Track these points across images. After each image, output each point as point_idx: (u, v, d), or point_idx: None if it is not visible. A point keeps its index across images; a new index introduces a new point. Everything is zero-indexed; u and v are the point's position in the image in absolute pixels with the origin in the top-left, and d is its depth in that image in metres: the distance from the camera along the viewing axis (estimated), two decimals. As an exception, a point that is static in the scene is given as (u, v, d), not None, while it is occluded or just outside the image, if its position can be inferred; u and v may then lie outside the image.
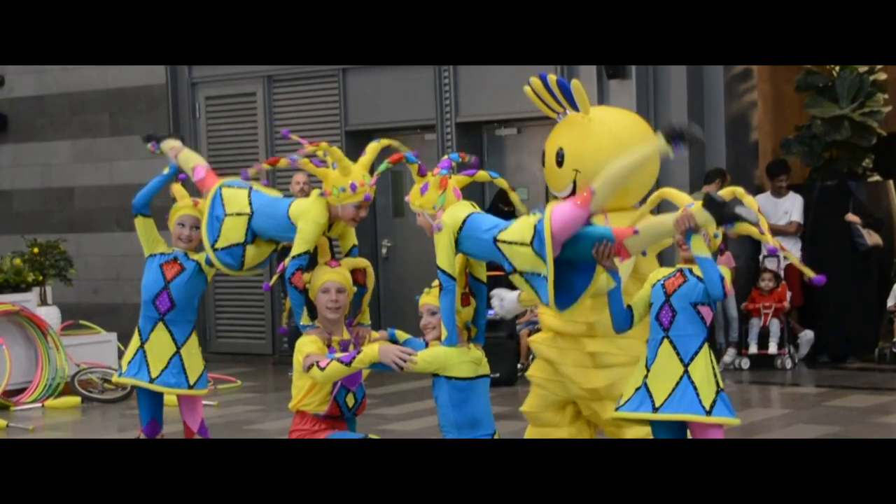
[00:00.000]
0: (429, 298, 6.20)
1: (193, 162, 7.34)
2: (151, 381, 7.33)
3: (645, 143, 6.06)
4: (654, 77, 12.89)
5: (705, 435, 5.89)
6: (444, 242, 6.04)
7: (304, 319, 6.40)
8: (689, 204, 5.89)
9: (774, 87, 13.97)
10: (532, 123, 13.39)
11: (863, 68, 13.10)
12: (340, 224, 6.63)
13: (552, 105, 6.78)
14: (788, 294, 12.74)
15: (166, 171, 7.44)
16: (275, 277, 6.84)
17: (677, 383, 5.87)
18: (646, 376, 5.97)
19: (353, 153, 6.96)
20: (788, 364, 12.65)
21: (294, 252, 6.44)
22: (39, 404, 11.83)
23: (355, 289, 6.59)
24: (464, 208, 6.13)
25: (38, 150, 16.80)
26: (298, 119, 14.60)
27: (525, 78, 6.89)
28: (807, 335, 12.99)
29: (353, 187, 6.40)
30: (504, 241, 5.99)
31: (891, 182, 13.59)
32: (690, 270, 5.96)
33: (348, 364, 6.01)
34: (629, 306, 6.02)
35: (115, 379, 7.80)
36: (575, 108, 6.73)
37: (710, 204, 5.77)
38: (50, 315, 12.41)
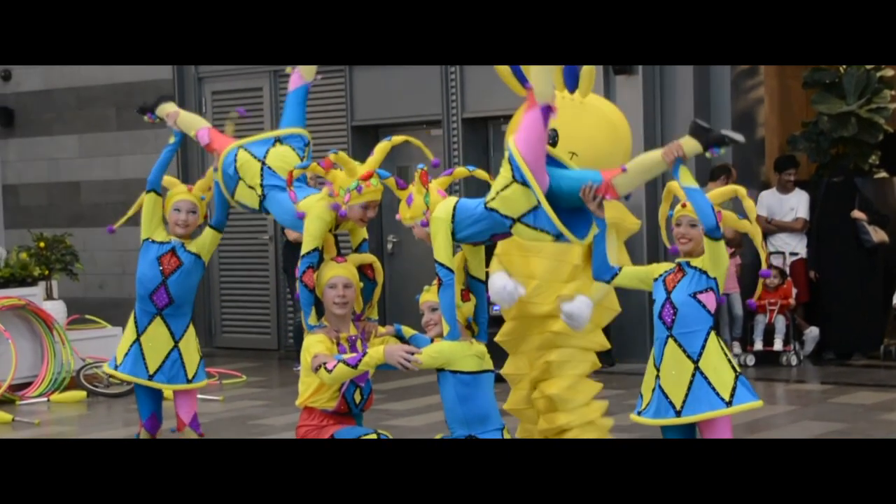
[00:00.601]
0: (428, 296, 6.22)
1: (195, 127, 7.32)
2: (150, 377, 7.33)
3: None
4: (661, 72, 12.87)
5: (713, 427, 5.91)
6: (440, 235, 6.04)
7: (312, 319, 6.40)
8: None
9: (781, 83, 13.94)
10: (538, 119, 13.35)
11: (870, 65, 13.09)
12: (350, 221, 6.63)
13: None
14: (794, 291, 12.73)
15: (172, 140, 7.46)
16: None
17: (691, 382, 5.89)
18: (657, 377, 5.98)
19: (360, 148, 6.97)
20: (794, 361, 12.64)
21: (304, 251, 6.44)
22: (45, 398, 11.84)
23: (362, 284, 6.59)
24: (450, 200, 6.15)
25: (44, 144, 16.81)
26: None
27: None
28: (812, 332, 12.97)
29: (359, 189, 6.41)
30: (493, 199, 5.97)
31: (897, 179, 13.60)
32: (688, 263, 5.99)
33: (355, 366, 6.02)
34: (621, 268, 6.08)
35: (106, 368, 7.74)
36: (569, 89, 6.69)
37: (697, 129, 5.82)
38: (56, 309, 12.43)
